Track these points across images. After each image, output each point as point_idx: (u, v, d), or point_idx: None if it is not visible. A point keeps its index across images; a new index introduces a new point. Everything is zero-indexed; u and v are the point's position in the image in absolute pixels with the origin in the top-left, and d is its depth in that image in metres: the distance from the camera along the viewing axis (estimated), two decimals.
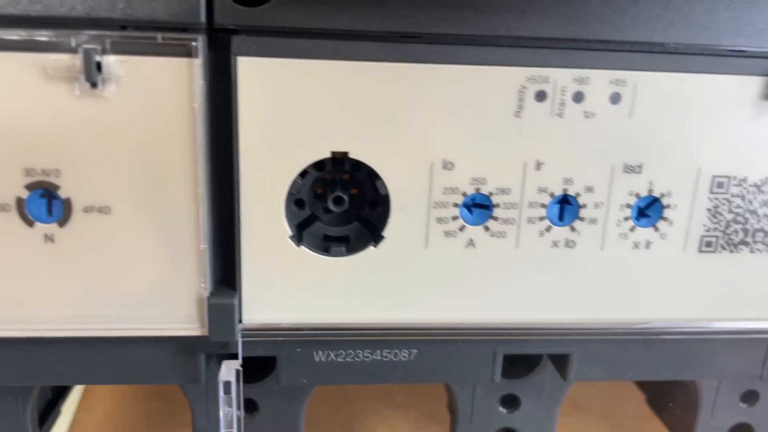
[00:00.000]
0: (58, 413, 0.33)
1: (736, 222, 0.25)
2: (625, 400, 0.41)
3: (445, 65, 0.22)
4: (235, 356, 0.25)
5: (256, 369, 0.27)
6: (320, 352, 0.25)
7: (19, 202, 0.21)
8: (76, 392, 0.40)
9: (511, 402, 0.29)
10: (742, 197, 0.24)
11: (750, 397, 0.30)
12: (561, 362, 0.27)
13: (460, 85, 0.22)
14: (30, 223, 0.22)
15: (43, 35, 0.20)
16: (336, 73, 0.21)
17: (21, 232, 0.22)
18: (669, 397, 0.34)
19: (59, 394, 0.34)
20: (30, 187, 0.21)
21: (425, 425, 0.40)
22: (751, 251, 0.25)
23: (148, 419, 0.40)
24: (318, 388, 0.27)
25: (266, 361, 0.26)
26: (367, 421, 0.40)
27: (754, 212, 0.24)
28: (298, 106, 0.22)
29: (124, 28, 0.20)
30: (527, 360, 0.28)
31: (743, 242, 0.25)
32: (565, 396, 0.29)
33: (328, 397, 0.41)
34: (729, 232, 0.25)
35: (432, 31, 0.21)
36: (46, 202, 0.22)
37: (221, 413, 0.24)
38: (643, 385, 0.39)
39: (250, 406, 0.28)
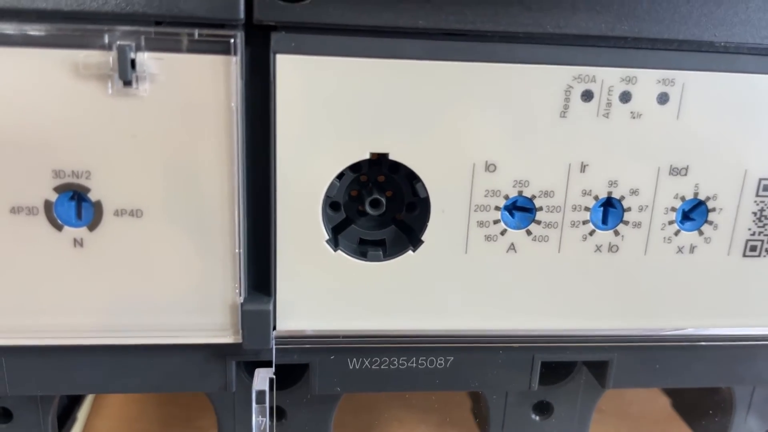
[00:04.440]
0: (74, 420, 0.32)
1: None
2: (646, 403, 0.41)
3: (490, 63, 0.21)
4: (265, 363, 0.24)
5: (280, 374, 0.26)
6: (354, 360, 0.24)
7: (48, 205, 0.21)
8: (89, 396, 0.39)
9: (543, 409, 0.28)
10: None
11: None
12: (599, 369, 0.26)
13: (504, 84, 0.21)
14: (59, 227, 0.21)
15: (75, 31, 0.19)
16: (377, 71, 0.21)
17: (49, 236, 0.21)
18: (698, 402, 0.33)
19: (75, 400, 0.33)
20: (59, 189, 0.20)
21: (444, 430, 0.39)
22: None
23: (161, 424, 0.39)
24: None
25: (291, 366, 0.25)
26: (386, 425, 0.39)
27: None
28: (337, 106, 0.21)
29: (159, 24, 0.20)
30: (561, 366, 0.28)
31: None
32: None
33: (345, 400, 0.40)
34: None
35: (478, 28, 0.20)
36: (75, 205, 0.21)
37: (254, 423, 0.23)
38: (668, 390, 0.39)
39: (277, 414, 0.27)
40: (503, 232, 0.23)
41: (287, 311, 0.23)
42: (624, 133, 0.22)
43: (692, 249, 0.24)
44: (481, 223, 0.23)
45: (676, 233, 0.23)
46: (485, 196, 0.22)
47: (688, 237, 0.24)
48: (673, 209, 0.23)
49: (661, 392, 0.40)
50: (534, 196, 0.23)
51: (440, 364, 0.25)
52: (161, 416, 0.39)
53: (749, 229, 0.24)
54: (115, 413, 0.40)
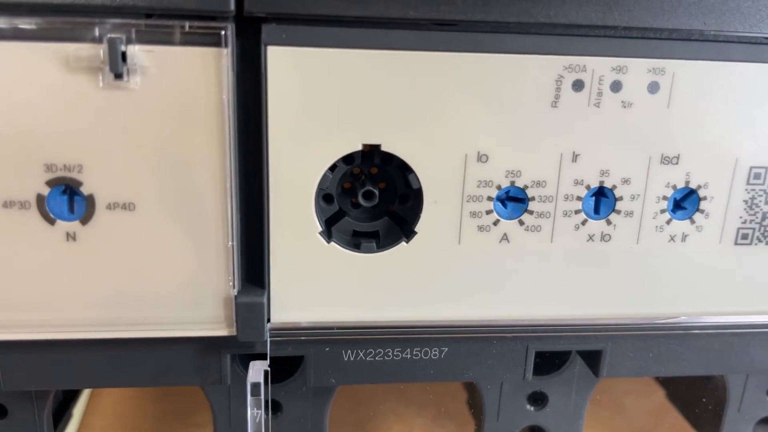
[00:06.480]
0: (69, 416, 0.32)
1: None
2: (642, 394, 0.41)
3: (480, 54, 0.21)
4: (260, 356, 0.24)
5: (275, 368, 0.26)
6: (349, 352, 0.24)
7: (40, 199, 0.21)
8: (84, 393, 0.39)
9: (538, 399, 0.29)
10: None
11: None
12: (593, 358, 0.26)
13: (495, 74, 0.21)
14: (51, 221, 0.21)
15: (65, 24, 0.19)
16: (368, 62, 0.21)
17: (41, 230, 0.21)
18: (692, 392, 0.33)
19: (71, 396, 0.33)
20: (51, 183, 0.20)
21: (441, 423, 0.39)
22: None
23: (156, 420, 0.39)
24: None
25: (286, 360, 0.26)
26: (383, 418, 0.39)
27: None
28: (329, 97, 0.21)
29: (149, 16, 0.20)
30: (556, 356, 0.28)
31: None
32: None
33: (342, 395, 0.40)
34: (765, 224, 0.24)
35: (468, 18, 0.21)
36: (67, 198, 0.21)
37: (249, 415, 0.23)
38: (662, 380, 0.39)
39: (273, 407, 0.27)
40: (496, 223, 0.23)
41: (281, 303, 0.23)
42: (615, 122, 0.22)
43: (684, 237, 0.24)
44: (473, 214, 0.23)
45: (668, 222, 0.24)
46: (477, 186, 0.22)
47: (680, 225, 0.24)
48: (665, 198, 0.23)
49: (656, 384, 0.40)
50: (526, 186, 0.23)
51: (434, 355, 0.25)
52: (157, 413, 0.39)
53: (740, 218, 0.24)
54: (111, 410, 0.40)
